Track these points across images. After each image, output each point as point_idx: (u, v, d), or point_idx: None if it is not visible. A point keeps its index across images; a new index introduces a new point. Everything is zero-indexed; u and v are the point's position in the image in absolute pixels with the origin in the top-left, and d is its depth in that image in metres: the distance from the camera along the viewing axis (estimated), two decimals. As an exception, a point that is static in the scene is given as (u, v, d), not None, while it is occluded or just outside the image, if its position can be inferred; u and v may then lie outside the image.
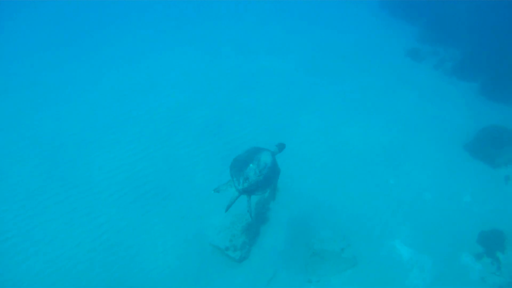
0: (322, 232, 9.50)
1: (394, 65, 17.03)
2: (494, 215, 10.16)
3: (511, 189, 10.85)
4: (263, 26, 20.77)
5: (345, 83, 15.71)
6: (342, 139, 12.57)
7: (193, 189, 10.69)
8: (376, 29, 20.51)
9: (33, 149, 11.73)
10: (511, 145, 11.81)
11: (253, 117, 13.44)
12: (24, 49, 17.82)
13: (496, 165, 11.53)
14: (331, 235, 9.36)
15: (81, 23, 20.59)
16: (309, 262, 8.77)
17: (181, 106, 13.87)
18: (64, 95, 14.43)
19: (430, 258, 9.18)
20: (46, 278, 8.31)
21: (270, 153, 7.33)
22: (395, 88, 15.41)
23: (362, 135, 12.84)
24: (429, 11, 20.62)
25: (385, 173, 11.39)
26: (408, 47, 18.27)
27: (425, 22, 20.13)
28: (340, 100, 14.60)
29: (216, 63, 16.97)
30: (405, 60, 17.52)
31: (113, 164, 11.39)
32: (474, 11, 19.72)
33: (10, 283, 8.16)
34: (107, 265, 8.69)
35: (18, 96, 14.24)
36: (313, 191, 10.73)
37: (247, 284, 8.51)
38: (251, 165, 6.88)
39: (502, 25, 18.15)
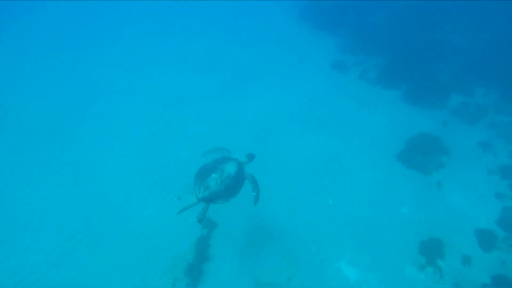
0: (268, 262, 9.90)
1: (321, 78, 18.52)
2: (431, 223, 11.36)
3: (444, 194, 12.39)
4: (190, 41, 21.78)
5: (272, 98, 16.87)
6: (279, 160, 13.32)
7: (129, 231, 10.79)
8: (300, 42, 22.23)
9: None
10: (439, 151, 13.58)
11: (182, 139, 14.05)
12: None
13: (428, 172, 13.04)
14: (276, 264, 9.76)
15: None
16: (258, 298, 9.03)
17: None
18: None
19: (376, 275, 9.87)
20: None
21: (237, 163, 8.29)
22: (324, 101, 16.73)
23: (298, 154, 13.63)
24: (349, 21, 23.05)
25: (324, 192, 12.15)
26: (332, 59, 20.00)
27: (346, 32, 22.38)
28: (268, 117, 15.65)
29: (142, 83, 17.61)
30: (331, 73, 19.15)
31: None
32: (393, 20, 22.90)
33: None
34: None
35: None
36: (254, 218, 11.08)
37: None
38: (213, 174, 7.94)
39: (418, 32, 21.63)
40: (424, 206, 12.08)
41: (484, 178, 13.21)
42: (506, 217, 11.74)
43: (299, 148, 13.97)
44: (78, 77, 18.02)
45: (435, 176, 13.15)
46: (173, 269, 9.42)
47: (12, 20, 25.06)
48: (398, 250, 10.69)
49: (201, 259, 9.84)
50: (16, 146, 13.75)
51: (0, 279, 9.45)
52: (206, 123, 14.99)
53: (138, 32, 22.94)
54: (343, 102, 16.87)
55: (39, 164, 12.95)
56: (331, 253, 10.47)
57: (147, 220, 11.02)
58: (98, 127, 14.67)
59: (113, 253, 10.15)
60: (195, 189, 7.95)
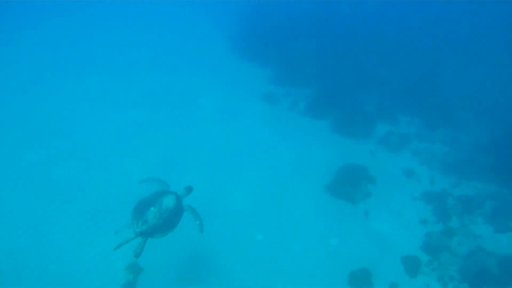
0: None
1: (252, 111, 19.31)
2: (360, 253, 12.13)
3: (371, 223, 13.29)
4: (128, 76, 21.91)
5: (205, 132, 17.35)
6: (210, 194, 13.66)
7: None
8: (232, 74, 23.08)
9: None
10: (365, 181, 14.57)
11: (118, 174, 14.09)
12: None
13: (356, 202, 13.92)
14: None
15: None
16: None
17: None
18: None
19: (307, 309, 10.80)
20: None
21: (175, 196, 8.74)
22: (254, 134, 17.48)
23: (230, 188, 14.08)
24: (279, 53, 24.35)
25: (255, 228, 12.55)
26: (263, 91, 20.93)
27: (276, 64, 23.66)
28: (203, 150, 16.06)
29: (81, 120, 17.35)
30: (262, 105, 20.02)
31: None
32: (321, 52, 24.47)
33: None
34: None
35: None
36: (183, 258, 11.31)
37: None
38: (152, 208, 8.34)
39: (346, 64, 23.38)
40: (353, 236, 12.83)
41: (409, 205, 14.40)
42: (430, 242, 12.85)
43: (230, 181, 14.45)
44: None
45: (362, 205, 14.07)
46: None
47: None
48: (328, 283, 11.38)
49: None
50: None
51: None
52: (142, 156, 15.14)
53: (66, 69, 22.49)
54: (274, 134, 17.64)
55: None
56: (261, 291, 10.94)
57: (70, 263, 10.79)
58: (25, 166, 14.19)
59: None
60: (133, 223, 8.26)
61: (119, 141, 15.90)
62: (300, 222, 13.16)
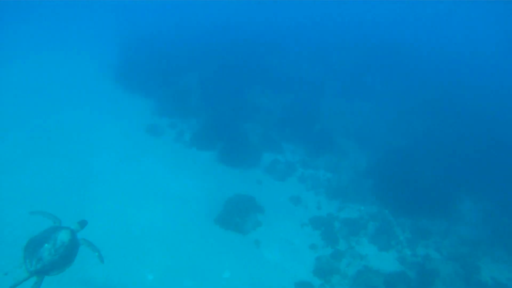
0: None
1: (136, 144, 18.57)
2: (253, 283, 12.07)
3: (262, 252, 13.32)
4: None
5: (91, 168, 16.22)
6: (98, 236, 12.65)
7: None
8: (114, 106, 22.04)
9: None
10: (254, 210, 14.69)
11: None
12: None
13: (246, 232, 13.92)
14: None
15: None
16: None
17: None
18: None
19: None
20: None
21: (70, 231, 8.54)
22: (140, 168, 16.76)
23: (117, 230, 13.14)
24: (162, 84, 24.06)
25: (143, 268, 11.89)
26: (147, 122, 20.29)
27: (160, 95, 23.19)
28: (89, 184, 15.08)
29: None
30: (146, 137, 19.38)
31: None
32: (205, 82, 24.51)
33: None
34: None
35: None
36: None
37: None
38: (46, 245, 8.07)
39: (230, 94, 23.65)
40: (245, 267, 12.70)
41: (298, 231, 14.69)
42: (320, 266, 13.13)
43: (116, 219, 13.59)
44: None
45: (253, 235, 14.08)
46: None
47: None
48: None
49: None
50: None
51: None
52: (27, 191, 14.04)
53: None
54: (160, 167, 17.11)
55: None
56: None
57: None
58: None
59: None
60: (26, 262, 7.90)
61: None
62: (191, 258, 12.75)
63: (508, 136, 20.74)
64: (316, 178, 17.94)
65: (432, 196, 16.48)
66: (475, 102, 24.80)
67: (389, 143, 20.80)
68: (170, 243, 13.11)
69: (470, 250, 14.53)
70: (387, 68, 28.90)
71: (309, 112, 22.87)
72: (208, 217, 14.48)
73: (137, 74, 25.04)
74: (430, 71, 28.80)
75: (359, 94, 25.59)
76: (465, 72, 30.29)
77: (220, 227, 14.11)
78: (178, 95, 22.95)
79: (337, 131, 21.69)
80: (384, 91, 26.41)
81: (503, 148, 19.40)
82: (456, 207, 16.68)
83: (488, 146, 19.79)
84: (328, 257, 13.56)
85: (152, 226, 13.67)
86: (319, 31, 34.22)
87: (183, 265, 12.35)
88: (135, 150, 18.10)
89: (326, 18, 37.99)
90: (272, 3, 40.36)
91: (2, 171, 14.95)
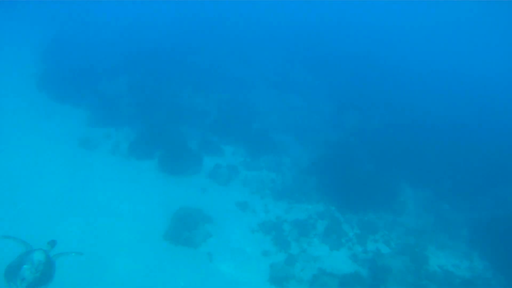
0: None
1: (69, 159, 17.26)
2: None
3: (216, 265, 13.03)
4: None
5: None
6: None
7: None
8: (40, 118, 20.26)
9: None
10: (203, 221, 14.25)
11: None
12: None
13: (197, 245, 13.51)
14: None
15: None
16: None
17: None
18: None
19: None
20: None
21: (42, 251, 9.60)
22: (76, 185, 15.66)
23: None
24: (92, 91, 22.61)
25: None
26: (79, 135, 18.95)
27: (90, 103, 21.73)
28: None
29: None
30: (80, 151, 18.11)
31: None
32: (134, 87, 23.16)
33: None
34: None
35: None
36: None
37: None
38: (24, 266, 9.05)
39: (161, 97, 22.70)
40: (201, 282, 12.39)
41: (249, 239, 14.43)
42: (275, 274, 12.95)
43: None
44: None
45: (204, 248, 13.68)
46: None
47: None
48: None
49: None
50: None
51: None
52: None
53: None
54: (98, 183, 16.10)
55: None
56: None
57: None
58: None
59: None
60: (10, 285, 8.84)
61: None
62: (144, 278, 12.23)
63: (441, 121, 21.91)
64: (260, 180, 17.70)
65: (374, 189, 16.94)
66: (405, 91, 25.96)
67: (326, 137, 21.07)
68: (119, 264, 12.42)
69: (416, 240, 15.09)
70: (316, 61, 29.39)
71: (245, 110, 22.68)
72: (156, 234, 13.86)
73: (63, 82, 23.14)
74: (359, 62, 29.66)
75: (290, 88, 25.81)
76: (396, 61, 31.59)
77: (170, 243, 13.56)
78: (109, 102, 21.75)
79: (275, 128, 21.65)
80: (316, 84, 26.79)
81: (437, 134, 20.43)
82: (398, 198, 17.25)
83: (421, 133, 20.75)
84: (282, 263, 13.41)
85: (98, 248, 12.84)
86: (245, 27, 33.94)
87: (135, 285, 11.85)
88: (69, 167, 16.84)
89: (252, 13, 37.88)
90: (194, 1, 39.51)
91: None
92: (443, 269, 13.88)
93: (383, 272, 13.09)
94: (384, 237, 15.24)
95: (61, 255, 10.18)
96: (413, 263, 13.72)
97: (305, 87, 26.12)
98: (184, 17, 35.74)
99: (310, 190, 17.34)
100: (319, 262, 13.75)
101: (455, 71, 31.67)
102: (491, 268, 14.28)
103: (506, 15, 45.63)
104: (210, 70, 26.14)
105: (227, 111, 22.25)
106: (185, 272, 12.62)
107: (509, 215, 15.76)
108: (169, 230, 13.93)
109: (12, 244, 10.23)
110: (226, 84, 25.10)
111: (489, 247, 14.82)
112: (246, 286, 12.50)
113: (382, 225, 15.80)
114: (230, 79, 25.68)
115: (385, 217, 16.20)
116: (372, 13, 44.76)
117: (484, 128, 22.67)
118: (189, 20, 34.86)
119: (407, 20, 46.18)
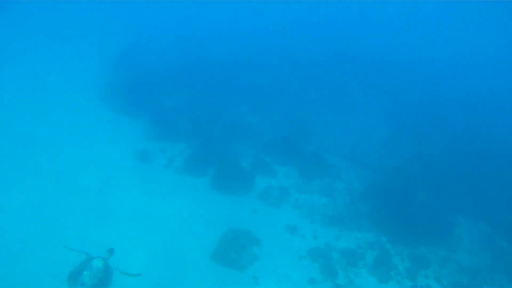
0: None
1: (126, 172, 18.10)
2: None
3: None
4: None
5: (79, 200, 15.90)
6: None
7: None
8: (102, 130, 21.42)
9: None
10: (251, 244, 14.50)
11: None
12: None
13: (243, 268, 13.69)
14: None
15: None
16: None
17: None
18: None
19: None
20: None
21: (101, 258, 10.40)
22: (134, 200, 16.45)
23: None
24: (151, 105, 23.74)
25: None
26: (136, 148, 19.88)
27: (149, 117, 22.79)
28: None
29: None
30: (136, 164, 18.97)
31: None
32: (192, 103, 24.42)
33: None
34: None
35: None
36: None
37: None
38: (85, 272, 9.88)
39: (217, 113, 23.46)
40: None
41: (296, 265, 14.47)
42: (320, 303, 12.97)
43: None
44: None
45: (250, 271, 13.87)
46: None
47: None
48: None
49: None
50: None
51: None
52: None
53: None
54: (152, 198, 16.78)
55: None
56: None
57: None
58: None
59: None
60: None
61: None
62: None
63: (503, 154, 20.94)
64: (311, 204, 17.78)
65: (428, 220, 16.50)
66: (468, 118, 25.02)
67: (381, 162, 20.80)
68: (166, 282, 12.92)
69: (470, 279, 14.56)
70: (374, 81, 29.01)
71: (300, 130, 22.82)
72: (204, 253, 14.24)
73: (125, 94, 24.58)
74: (421, 85, 28.99)
75: (346, 109, 25.68)
76: (461, 86, 30.52)
77: (217, 263, 13.84)
78: (167, 117, 22.69)
79: (329, 150, 21.63)
80: (373, 105, 26.46)
81: (499, 167, 19.55)
82: (453, 231, 16.68)
83: (483, 165, 19.93)
84: (328, 293, 13.46)
85: (147, 263, 13.44)
86: (305, 47, 34.03)
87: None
88: (125, 179, 17.72)
89: (312, 34, 37.95)
90: (255, 20, 40.30)
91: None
92: (498, 312, 13.33)
93: (433, 311, 12.77)
94: (435, 273, 14.80)
95: (121, 272, 10.84)
96: (464, 303, 13.29)
97: (361, 108, 25.92)
98: (245, 36, 36.55)
99: (362, 217, 17.20)
100: (365, 294, 13.65)
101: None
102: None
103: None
104: (268, 88, 26.63)
105: (282, 130, 22.53)
106: (231, 296, 12.80)
107: None
108: (217, 250, 14.27)
109: (74, 254, 11.20)
110: (283, 103, 25.45)
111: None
112: (290, 314, 12.63)
113: (434, 260, 15.37)
114: (287, 98, 26.00)
115: (438, 252, 15.74)
116: (435, 35, 43.40)
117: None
118: (250, 39, 35.56)
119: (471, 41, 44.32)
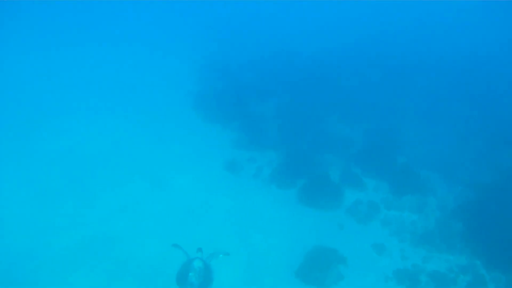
0: None
1: (213, 182, 19.17)
2: None
3: None
4: None
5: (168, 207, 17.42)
6: None
7: None
8: (192, 137, 22.76)
9: None
10: (336, 262, 14.74)
11: None
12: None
13: (327, 287, 14.11)
14: None
15: None
16: None
17: None
18: None
19: None
20: None
21: (199, 259, 12.58)
22: (222, 211, 17.44)
23: None
24: (242, 113, 24.45)
25: None
26: (225, 158, 20.75)
27: (239, 125, 23.58)
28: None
29: None
30: (224, 174, 19.86)
31: None
32: (281, 111, 24.92)
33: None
34: None
35: None
36: None
37: None
38: (190, 273, 12.10)
39: (306, 123, 23.69)
40: None
41: (382, 286, 14.48)
42: (406, 328, 12.91)
43: None
44: None
45: (334, 290, 14.10)
46: None
47: None
48: None
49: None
50: None
51: None
52: None
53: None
54: (239, 210, 17.63)
55: None
56: None
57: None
58: None
59: None
60: None
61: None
62: None
63: None
64: (400, 221, 17.49)
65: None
66: None
67: (477, 178, 19.69)
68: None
69: None
70: (471, 89, 27.27)
71: (391, 141, 22.31)
72: (289, 269, 14.74)
73: (215, 102, 25.61)
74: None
75: (440, 119, 24.55)
76: None
77: (301, 281, 14.28)
78: (256, 125, 23.38)
79: (421, 163, 20.88)
80: (469, 115, 24.91)
81: None
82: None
83: None
84: (413, 320, 13.33)
85: (233, 275, 14.36)
86: (398, 53, 32.77)
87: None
88: (213, 188, 18.89)
89: (406, 41, 36.34)
90: (348, 22, 39.52)
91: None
92: None
93: None
94: (536, 306, 13.96)
95: (212, 257, 13.39)
96: None
97: (457, 119, 24.51)
98: (337, 39, 36.22)
99: (454, 238, 16.58)
100: (455, 325, 13.30)
101: None
102: None
103: None
104: (358, 94, 26.29)
105: (373, 141, 22.15)
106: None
107: None
108: (302, 267, 14.68)
109: (177, 252, 13.58)
110: (374, 110, 24.98)
111: None
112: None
113: (535, 290, 14.45)
114: (379, 105, 25.46)
115: (540, 282, 14.74)
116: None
117: None
118: (343, 41, 35.07)
119: None
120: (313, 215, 17.65)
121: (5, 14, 36.67)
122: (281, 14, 43.39)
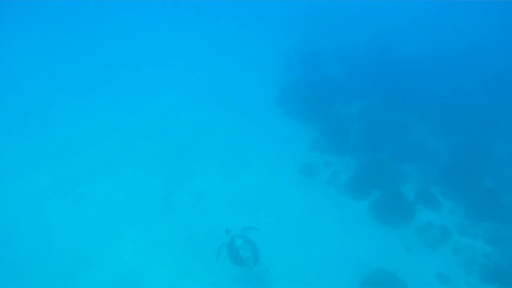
0: None
1: (288, 187, 19.77)
2: None
3: None
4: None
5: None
6: None
7: None
8: (272, 135, 23.36)
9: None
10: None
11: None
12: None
13: None
14: None
15: None
16: None
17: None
18: None
19: None
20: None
21: (237, 236, 14.83)
22: (293, 216, 18.14)
23: None
24: (323, 113, 24.45)
25: None
26: (302, 161, 21.15)
27: (320, 125, 23.70)
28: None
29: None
30: (299, 179, 20.32)
31: None
32: (366, 114, 24.41)
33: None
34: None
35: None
36: None
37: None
38: (240, 252, 14.24)
39: (391, 131, 23.08)
40: None
41: (439, 321, 14.49)
42: None
43: None
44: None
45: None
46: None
47: None
48: None
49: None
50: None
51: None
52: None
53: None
54: (309, 218, 18.25)
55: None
56: None
57: None
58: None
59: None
60: (244, 266, 14.27)
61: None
62: None
63: None
64: (472, 251, 16.99)
65: None
66: None
67: None
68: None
69: None
70: None
71: (479, 157, 21.21)
72: (345, 286, 15.29)
73: (299, 99, 25.74)
74: None
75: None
76: None
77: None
78: (337, 128, 23.31)
79: (508, 187, 19.82)
80: None
81: None
82: None
83: None
84: None
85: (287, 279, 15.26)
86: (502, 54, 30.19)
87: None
88: (285, 195, 19.50)
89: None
90: (455, 27, 36.52)
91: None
92: None
93: None
94: None
95: (247, 231, 15.68)
96: None
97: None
98: (433, 41, 34.13)
99: (531, 281, 15.90)
100: None
101: None
102: None
103: None
104: (451, 103, 24.99)
105: (459, 157, 21.27)
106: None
107: None
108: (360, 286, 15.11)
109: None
110: (466, 122, 23.71)
111: None
112: None
113: None
114: (471, 116, 24.09)
115: None
116: None
117: None
118: (445, 48, 32.74)
119: None
120: (381, 231, 17.75)
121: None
122: (384, 5, 41.04)
